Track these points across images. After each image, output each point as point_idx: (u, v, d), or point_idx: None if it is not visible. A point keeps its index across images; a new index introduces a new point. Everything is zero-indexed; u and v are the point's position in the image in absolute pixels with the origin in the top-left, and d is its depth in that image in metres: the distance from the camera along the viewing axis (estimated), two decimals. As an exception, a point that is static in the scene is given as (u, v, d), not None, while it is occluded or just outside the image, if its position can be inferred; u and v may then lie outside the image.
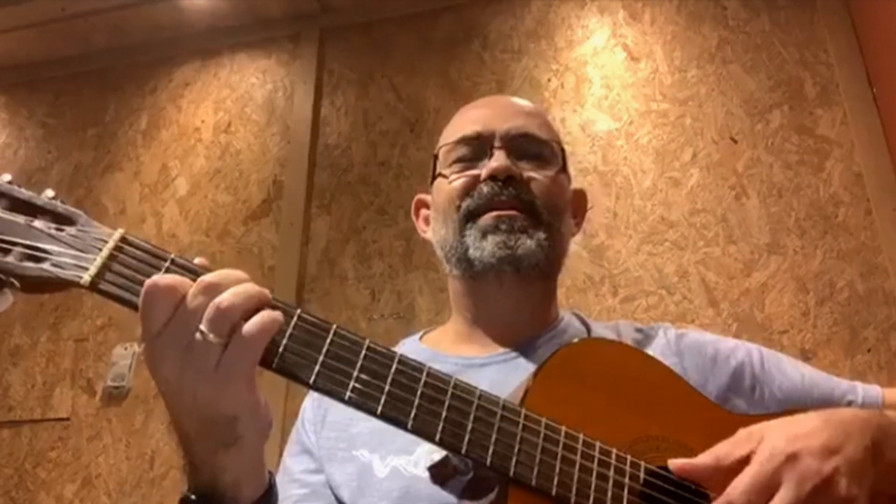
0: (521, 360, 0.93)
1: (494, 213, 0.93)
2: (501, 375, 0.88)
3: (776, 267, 1.98)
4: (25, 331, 2.50)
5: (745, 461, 0.70)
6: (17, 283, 0.62)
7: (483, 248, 0.92)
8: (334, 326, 0.68)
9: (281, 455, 1.93)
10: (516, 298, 0.96)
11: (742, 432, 0.73)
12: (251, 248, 2.43)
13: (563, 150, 1.03)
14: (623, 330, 1.01)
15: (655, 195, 2.14)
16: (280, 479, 0.93)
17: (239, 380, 0.63)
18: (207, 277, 0.63)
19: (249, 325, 0.62)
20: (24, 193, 0.66)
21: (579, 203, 1.08)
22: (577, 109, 2.32)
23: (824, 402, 0.93)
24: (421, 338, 1.05)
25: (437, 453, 0.75)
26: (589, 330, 1.02)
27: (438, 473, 0.72)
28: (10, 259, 0.61)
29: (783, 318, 1.92)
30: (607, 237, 2.12)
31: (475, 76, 2.47)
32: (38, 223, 0.64)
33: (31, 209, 0.65)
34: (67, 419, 2.33)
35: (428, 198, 1.08)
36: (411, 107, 2.49)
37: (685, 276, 2.03)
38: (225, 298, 0.62)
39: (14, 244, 0.62)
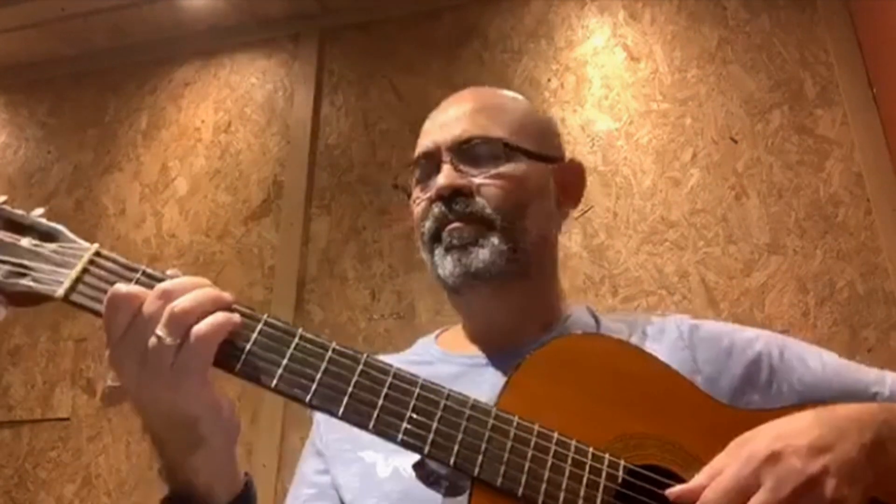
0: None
1: (448, 227, 0.93)
2: (502, 375, 0.87)
3: (776, 267, 1.98)
4: (25, 331, 2.50)
5: None
6: (2, 298, 0.67)
7: (445, 267, 0.92)
8: (300, 331, 0.69)
9: (279, 468, 1.91)
10: (498, 305, 0.95)
11: (734, 442, 0.71)
12: (251, 248, 2.43)
13: (506, 144, 0.96)
14: (637, 321, 0.98)
15: (655, 195, 2.14)
16: (294, 480, 0.96)
17: (193, 378, 0.65)
18: (165, 284, 0.67)
19: (200, 325, 0.65)
20: (15, 214, 0.71)
21: (567, 178, 1.02)
22: (577, 109, 2.32)
23: (845, 393, 0.86)
24: (437, 336, 1.05)
25: None
26: (598, 324, 0.98)
27: (420, 474, 0.72)
28: None
29: (783, 318, 1.92)
30: (607, 237, 2.12)
31: (475, 76, 2.47)
32: (24, 241, 0.70)
33: (20, 228, 0.71)
34: (67, 419, 2.33)
35: None
36: (411, 107, 2.49)
37: (685, 276, 2.03)
38: (179, 302, 0.65)
39: (3, 262, 0.68)
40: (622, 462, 0.72)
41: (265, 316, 0.70)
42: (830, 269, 1.94)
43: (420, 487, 0.73)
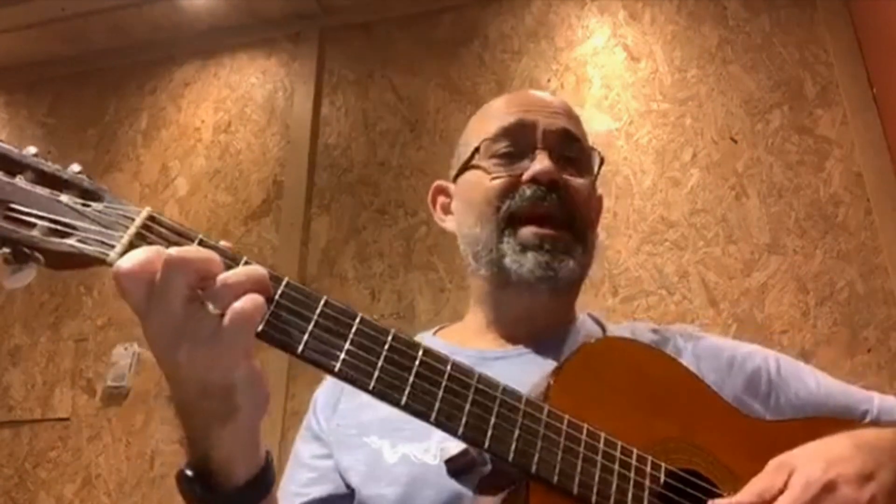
0: (535, 357, 0.93)
1: (536, 230, 0.92)
2: (514, 370, 0.87)
3: (776, 267, 1.98)
4: (25, 331, 2.50)
5: (783, 492, 0.70)
6: (41, 258, 0.60)
7: (523, 263, 0.91)
8: (360, 315, 0.67)
9: (279, 468, 1.92)
10: (544, 308, 0.96)
11: (772, 463, 0.73)
12: (251, 248, 2.43)
13: (602, 159, 1.02)
14: (638, 331, 1.01)
15: (655, 195, 2.14)
16: (290, 465, 0.95)
17: (235, 349, 0.62)
18: (215, 254, 0.63)
19: (244, 302, 0.61)
20: (50, 167, 0.64)
21: (599, 208, 1.10)
22: (577, 109, 2.31)
23: (840, 411, 0.92)
24: (435, 333, 1.05)
25: (449, 442, 0.74)
26: (604, 330, 1.01)
27: (456, 466, 0.71)
28: (34, 233, 0.60)
29: (783, 318, 1.92)
30: (607, 237, 2.12)
31: (475, 76, 2.47)
32: (63, 198, 0.63)
33: (57, 183, 0.64)
34: (67, 419, 2.33)
35: (449, 186, 1.06)
36: (411, 107, 2.49)
37: (685, 276, 2.03)
38: (231, 274, 0.62)
39: (39, 218, 0.60)
40: (663, 465, 0.74)
41: (324, 297, 0.67)
42: (830, 269, 1.94)
43: (430, 473, 0.73)
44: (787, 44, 2.22)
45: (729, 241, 2.04)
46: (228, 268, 0.63)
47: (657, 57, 2.33)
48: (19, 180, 0.61)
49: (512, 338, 0.97)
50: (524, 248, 0.91)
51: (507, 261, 0.92)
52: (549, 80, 2.39)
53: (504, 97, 1.06)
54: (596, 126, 2.26)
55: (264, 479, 0.69)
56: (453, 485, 0.74)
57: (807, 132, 2.11)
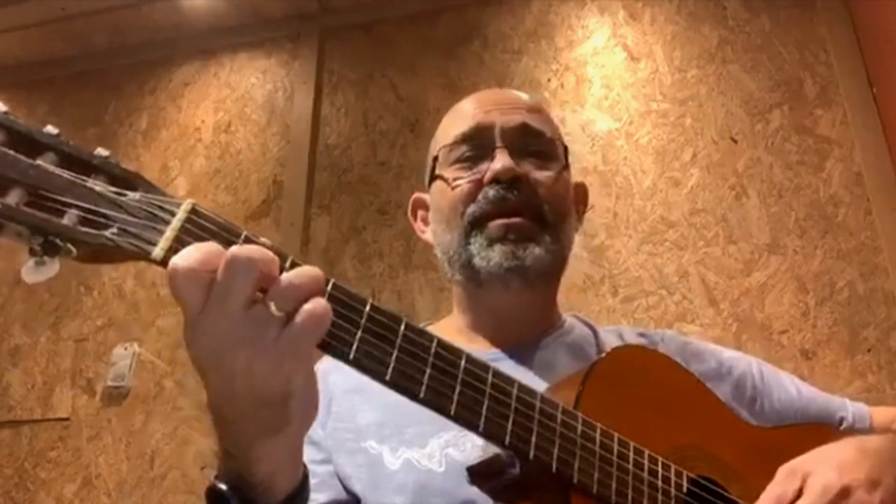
0: (526, 359, 0.93)
1: (502, 222, 0.91)
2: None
3: (776, 267, 1.98)
4: (25, 331, 2.50)
5: (798, 497, 0.71)
6: (73, 250, 0.54)
7: (490, 257, 0.91)
8: (405, 319, 0.64)
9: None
10: (521, 303, 0.96)
11: (784, 469, 0.74)
12: (251, 248, 2.43)
13: (565, 148, 1.01)
14: (625, 334, 1.01)
15: (655, 195, 2.14)
16: None
17: (300, 355, 0.58)
18: (273, 254, 0.60)
19: (315, 304, 0.57)
20: (76, 149, 0.57)
21: (581, 197, 1.07)
22: (577, 109, 2.32)
23: (820, 417, 0.96)
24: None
25: (452, 448, 0.74)
26: (595, 332, 1.01)
27: (482, 473, 0.71)
28: (65, 222, 0.53)
29: (783, 318, 1.92)
30: (607, 237, 2.12)
31: (475, 76, 2.47)
32: (92, 183, 0.56)
33: (84, 167, 0.56)
34: (67, 419, 2.33)
35: (426, 197, 1.06)
36: (411, 107, 2.49)
37: (685, 276, 2.03)
38: (292, 275, 0.59)
39: (68, 205, 0.54)
40: (685, 472, 0.75)
41: (368, 300, 0.62)
42: (830, 269, 1.94)
43: (437, 480, 0.72)
44: (787, 44, 2.22)
45: (729, 241, 2.04)
46: (281, 267, 0.59)
47: (657, 57, 2.33)
48: (41, 163, 0.55)
49: (496, 340, 0.96)
50: (491, 241, 0.91)
51: (476, 259, 0.92)
52: (549, 80, 2.39)
53: (465, 101, 1.05)
54: (596, 126, 2.27)
55: (303, 493, 0.65)
56: (462, 493, 0.73)
57: (807, 132, 2.11)
